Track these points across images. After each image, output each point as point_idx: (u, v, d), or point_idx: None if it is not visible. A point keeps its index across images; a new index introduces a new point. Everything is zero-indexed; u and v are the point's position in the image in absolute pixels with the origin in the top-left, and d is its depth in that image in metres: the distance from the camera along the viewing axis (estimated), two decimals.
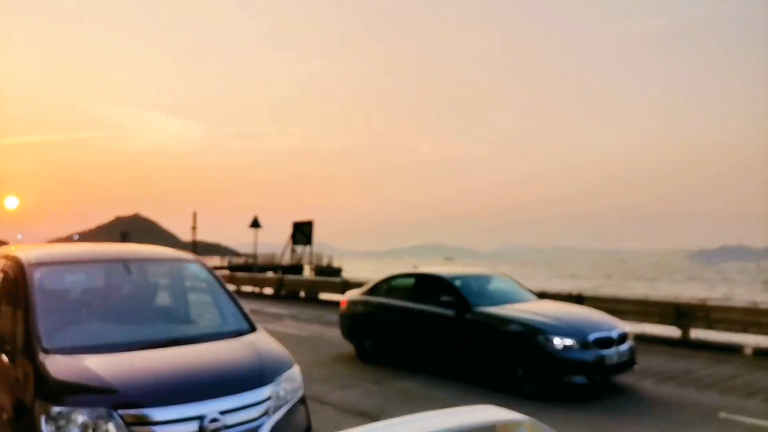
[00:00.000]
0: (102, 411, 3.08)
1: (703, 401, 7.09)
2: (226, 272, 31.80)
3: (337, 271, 53.43)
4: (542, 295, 14.06)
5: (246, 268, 43.88)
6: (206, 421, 3.22)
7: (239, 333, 4.24)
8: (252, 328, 4.35)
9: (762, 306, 11.06)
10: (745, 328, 10.83)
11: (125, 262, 4.62)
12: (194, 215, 27.06)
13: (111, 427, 3.06)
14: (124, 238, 25.94)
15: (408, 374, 8.50)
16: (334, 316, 16.48)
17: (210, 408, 3.26)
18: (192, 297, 4.91)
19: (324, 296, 22.26)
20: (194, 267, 4.99)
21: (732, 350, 10.66)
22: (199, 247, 30.43)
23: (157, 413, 3.15)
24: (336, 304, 20.24)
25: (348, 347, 10.11)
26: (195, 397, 3.28)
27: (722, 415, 6.47)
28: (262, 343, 4.11)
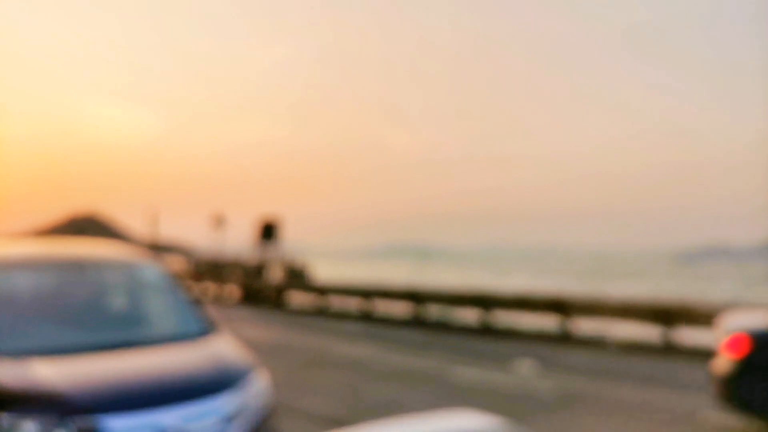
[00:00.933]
0: (53, 418, 3.08)
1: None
2: (188, 273, 31.48)
3: (307, 272, 53.32)
4: (522, 303, 14.38)
5: (210, 270, 43.44)
6: (169, 430, 3.23)
7: (200, 336, 4.25)
8: (214, 331, 4.37)
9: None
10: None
11: (78, 263, 4.59)
12: (152, 212, 26.70)
13: None
14: (80, 235, 25.46)
15: (390, 382, 8.57)
16: (301, 319, 16.53)
17: (169, 415, 3.28)
18: (149, 299, 4.89)
19: (293, 299, 22.23)
20: (151, 268, 4.97)
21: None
22: (159, 247, 30.04)
23: (112, 421, 3.15)
24: (307, 306, 20.42)
25: (319, 353, 10.10)
26: (153, 403, 3.29)
27: (701, 415, 6.70)
28: (224, 346, 4.13)
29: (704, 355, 10.91)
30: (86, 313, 4.46)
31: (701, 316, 11.57)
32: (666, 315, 11.97)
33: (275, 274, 35.86)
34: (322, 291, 20.66)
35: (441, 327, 15.28)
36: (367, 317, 17.78)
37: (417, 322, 16.30)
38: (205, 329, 4.37)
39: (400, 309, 17.82)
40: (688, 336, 12.25)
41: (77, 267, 4.55)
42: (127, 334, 4.35)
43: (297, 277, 42.01)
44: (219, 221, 25.65)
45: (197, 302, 4.69)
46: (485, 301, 15.43)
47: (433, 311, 17.04)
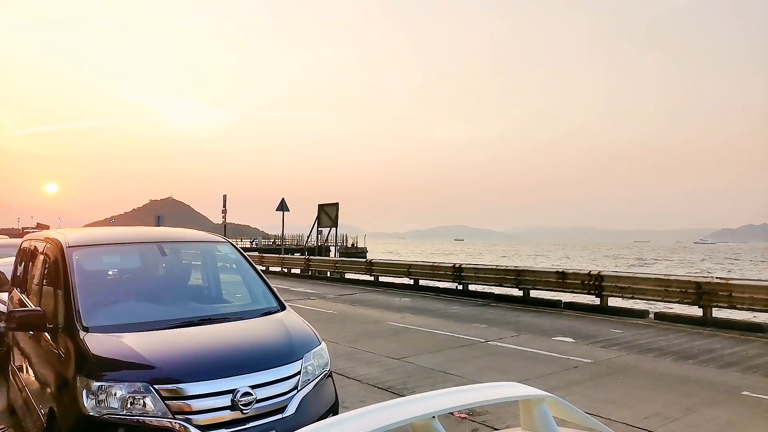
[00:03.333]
0: (139, 386, 3.14)
1: (725, 380, 6.95)
2: (255, 254, 32.19)
3: (362, 252, 53.77)
4: (562, 275, 14.05)
5: (274, 250, 44.39)
6: (238, 395, 3.26)
7: (269, 312, 4.27)
8: (281, 307, 4.38)
9: None
10: (767, 307, 10.56)
11: (159, 244, 4.68)
12: (224, 198, 27.32)
13: (148, 401, 3.12)
14: (159, 221, 26.34)
15: (429, 352, 8.52)
16: (359, 295, 16.63)
17: (241, 383, 3.30)
18: (223, 277, 4.96)
19: (350, 275, 22.43)
20: (225, 248, 5.03)
21: (755, 329, 10.41)
22: (229, 229, 30.81)
23: (192, 388, 3.20)
24: (362, 282, 20.60)
25: (373, 325, 10.13)
26: (227, 372, 3.32)
27: (745, 393, 6.34)
28: (290, 321, 4.13)
29: (741, 330, 10.36)
30: (170, 290, 4.57)
31: (734, 293, 10.97)
32: (701, 292, 11.40)
33: (334, 253, 36.26)
34: (374, 267, 20.75)
35: (483, 300, 15.07)
36: (414, 290, 17.78)
37: (461, 295, 16.18)
38: (273, 304, 4.39)
39: (445, 283, 17.75)
40: (724, 313, 11.66)
41: (161, 247, 4.64)
42: (206, 309, 4.43)
43: (352, 255, 42.45)
44: (282, 206, 26.02)
45: (266, 280, 4.71)
46: (523, 277, 15.16)
47: (475, 286, 16.89)
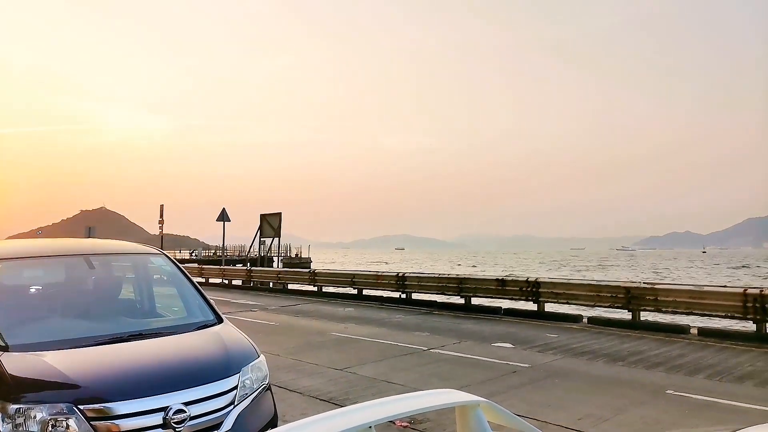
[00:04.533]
0: (62, 407, 2.96)
1: (652, 380, 7.32)
2: (195, 265, 31.22)
3: (306, 262, 53.17)
4: (502, 283, 14.42)
5: (215, 261, 43.21)
6: (170, 413, 3.13)
7: (205, 325, 4.14)
8: (218, 320, 4.26)
9: (706, 288, 11.48)
10: (690, 309, 11.24)
11: (87, 256, 4.46)
12: (161, 208, 26.37)
13: (72, 422, 2.95)
14: (90, 232, 25.10)
15: (372, 361, 8.51)
16: (302, 306, 16.43)
17: (174, 400, 3.18)
18: (157, 290, 4.78)
19: (293, 286, 22.14)
20: (159, 260, 4.85)
21: (678, 331, 11.04)
22: (167, 241, 29.73)
23: (120, 407, 3.05)
24: (305, 293, 20.37)
25: (316, 336, 10.04)
26: (158, 389, 3.19)
27: (669, 392, 6.70)
28: (227, 334, 4.02)
29: (667, 332, 10.98)
30: (98, 305, 4.36)
31: (659, 297, 11.62)
32: (630, 296, 12.00)
33: (277, 264, 35.68)
34: (317, 277, 20.58)
35: (426, 309, 15.24)
36: (358, 300, 17.74)
37: (405, 303, 16.29)
38: (210, 317, 4.27)
39: (388, 292, 17.83)
40: (653, 316, 12.31)
41: (88, 260, 4.42)
42: (137, 323, 4.25)
43: (296, 266, 41.91)
44: (223, 216, 25.39)
45: (203, 292, 4.58)
46: (465, 285, 15.45)
47: (418, 294, 17.06)
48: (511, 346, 9.78)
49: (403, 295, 17.24)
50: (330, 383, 7.23)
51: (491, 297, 14.91)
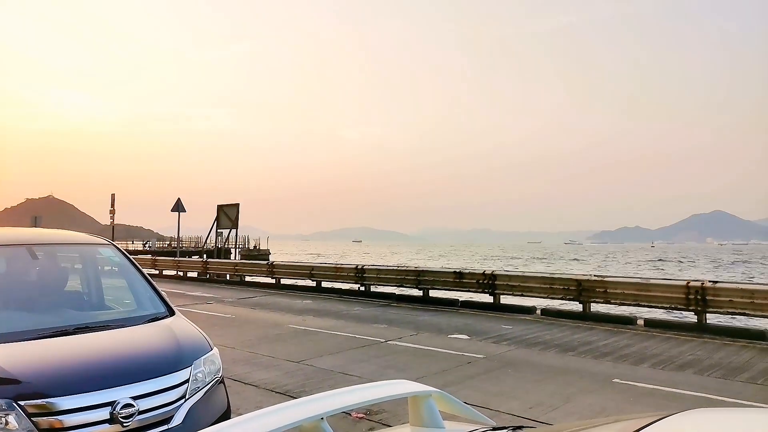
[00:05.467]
0: (1, 403, 2.84)
1: (600, 369, 7.60)
2: (148, 257, 30.38)
3: (264, 254, 52.52)
4: (459, 275, 14.62)
5: (170, 253, 42.16)
6: (118, 407, 3.05)
7: (155, 318, 4.04)
8: (170, 313, 4.17)
9: (652, 281, 11.97)
10: (637, 301, 11.70)
11: (30, 246, 4.27)
12: (112, 197, 25.49)
13: (11, 419, 2.83)
14: (36, 221, 24.04)
15: (330, 353, 8.51)
16: (259, 298, 16.24)
17: (122, 394, 3.09)
18: (105, 282, 4.63)
19: (250, 278, 21.84)
20: (107, 251, 4.70)
21: (626, 322, 11.48)
22: (119, 231, 28.84)
23: (64, 402, 2.94)
24: (263, 285, 20.13)
25: (273, 328, 9.95)
26: (105, 383, 3.09)
27: (615, 380, 6.97)
28: (179, 327, 3.94)
29: (615, 322, 11.40)
30: (42, 297, 4.18)
31: (609, 289, 12.05)
32: (581, 288, 12.40)
33: (235, 256, 35.10)
34: (276, 269, 20.38)
35: (385, 301, 15.32)
36: (317, 292, 17.67)
37: (363, 296, 16.33)
38: (161, 310, 4.17)
39: (347, 285, 17.85)
40: (603, 307, 12.75)
41: (30, 250, 4.24)
42: (83, 316, 4.10)
43: (254, 258, 41.34)
44: (178, 207, 24.75)
45: (153, 284, 4.46)
46: (423, 277, 15.60)
47: (377, 287, 17.14)
48: (467, 337, 9.95)
49: (362, 288, 17.28)
50: (286, 376, 7.18)
51: (449, 289, 15.11)
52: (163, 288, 4.59)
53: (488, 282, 14.01)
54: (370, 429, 5.12)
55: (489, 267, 24.57)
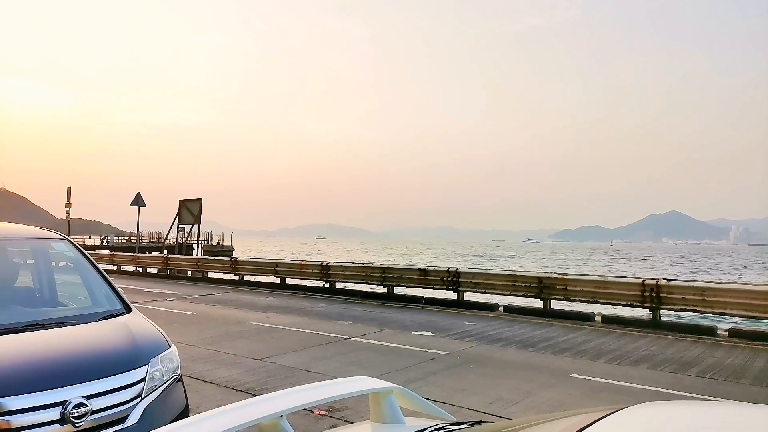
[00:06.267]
0: None
1: (559, 365, 7.77)
2: (107, 252, 29.51)
3: (228, 250, 51.66)
4: (424, 272, 14.72)
5: (129, 248, 41.06)
6: (69, 407, 2.94)
7: (111, 315, 3.92)
8: (126, 309, 4.05)
9: (610, 279, 12.31)
10: (595, 298, 12.02)
11: None
12: (68, 191, 24.63)
13: None
14: None
15: (293, 351, 8.44)
16: (222, 295, 15.98)
17: (74, 393, 2.99)
18: (59, 278, 4.46)
19: (213, 275, 21.47)
20: (61, 245, 4.53)
21: (584, 318, 11.78)
22: (76, 226, 27.86)
23: (12, 402, 2.82)
24: (226, 282, 19.82)
25: (235, 325, 9.80)
26: (56, 382, 2.98)
27: (573, 375, 7.14)
28: (135, 324, 3.83)
29: (574, 319, 11.68)
30: None
31: (568, 287, 12.34)
32: (542, 286, 12.65)
33: (195, 251, 34.43)
34: (239, 266, 20.09)
35: (350, 298, 15.31)
36: (281, 289, 17.51)
37: (328, 293, 16.27)
38: (117, 306, 4.05)
39: (312, 282, 17.74)
40: (563, 304, 13.05)
41: None
42: (34, 313, 3.95)
43: (217, 254, 40.63)
44: (138, 201, 24.10)
45: (109, 280, 4.32)
46: (388, 274, 15.65)
47: (342, 283, 17.10)
48: (430, 334, 10.03)
49: (327, 285, 17.20)
50: (248, 373, 7.09)
51: (414, 286, 15.20)
52: (121, 284, 4.46)
53: (452, 279, 14.15)
54: (332, 426, 5.11)
55: (453, 265, 24.83)
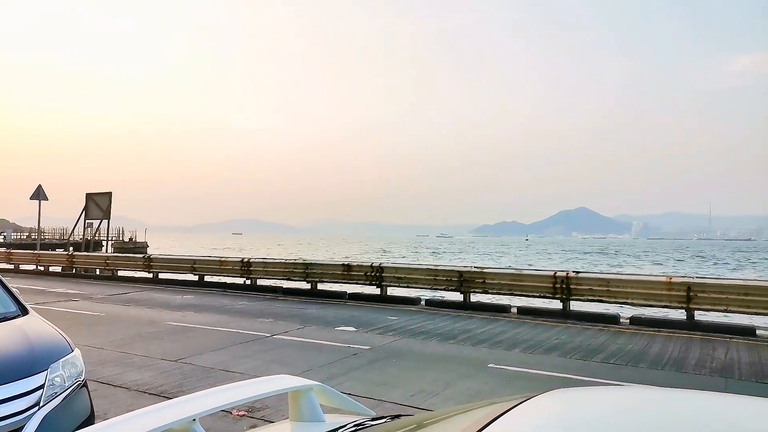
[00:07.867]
0: None
1: (477, 355, 8.05)
2: (3, 249, 27.14)
3: (142, 247, 49.09)
4: (348, 268, 14.70)
5: (29, 245, 38.02)
6: None
7: (5, 318, 3.61)
8: (22, 312, 3.74)
9: (525, 272, 12.89)
10: (512, 290, 12.55)
11: None
12: None
13: None
14: None
15: (211, 350, 8.17)
16: (134, 294, 15.16)
17: None
18: None
19: (124, 273, 20.33)
20: None
21: (501, 310, 12.27)
22: None
23: None
24: (140, 280, 18.82)
25: (148, 326, 9.32)
26: None
27: (491, 365, 7.42)
28: (32, 328, 3.54)
29: (492, 311, 12.14)
30: None
31: (487, 280, 12.81)
32: (462, 279, 13.04)
33: (104, 248, 32.42)
34: (153, 263, 19.15)
35: (272, 294, 15.03)
36: (199, 287, 16.88)
37: (250, 290, 15.89)
38: (11, 309, 3.72)
39: (232, 279, 17.26)
40: (482, 297, 13.52)
41: None
42: None
43: (130, 251, 38.48)
44: (38, 195, 22.30)
45: (2, 280, 3.96)
46: (311, 270, 15.52)
47: (264, 280, 16.77)
48: (353, 329, 10.04)
49: (248, 282, 16.79)
50: (161, 376, 6.77)
51: (337, 282, 15.16)
52: (18, 284, 4.12)
53: (376, 274, 14.26)
54: (252, 426, 4.99)
55: (377, 260, 25.02)
